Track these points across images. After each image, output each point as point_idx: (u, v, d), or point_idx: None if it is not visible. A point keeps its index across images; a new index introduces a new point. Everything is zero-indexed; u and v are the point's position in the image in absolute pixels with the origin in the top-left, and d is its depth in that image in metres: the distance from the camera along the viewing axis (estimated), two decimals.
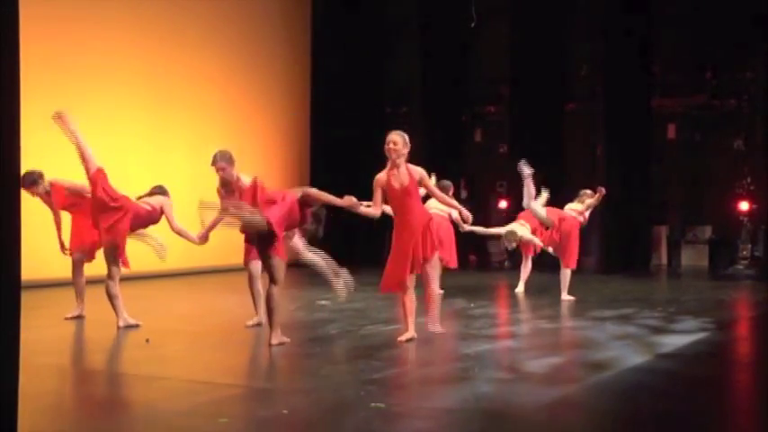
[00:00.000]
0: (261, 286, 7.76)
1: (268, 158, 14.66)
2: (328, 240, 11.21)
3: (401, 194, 6.88)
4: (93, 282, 8.53)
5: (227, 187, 7.33)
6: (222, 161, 7.36)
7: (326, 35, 15.41)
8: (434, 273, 7.10)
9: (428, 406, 5.13)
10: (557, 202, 11.27)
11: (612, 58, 13.76)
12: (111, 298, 7.90)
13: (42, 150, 10.49)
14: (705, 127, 14.42)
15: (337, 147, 14.90)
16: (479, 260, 14.88)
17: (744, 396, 5.79)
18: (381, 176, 6.97)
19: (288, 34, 15.35)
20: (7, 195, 3.49)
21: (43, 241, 10.69)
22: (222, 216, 7.42)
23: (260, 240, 6.75)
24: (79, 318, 8.46)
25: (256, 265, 7.75)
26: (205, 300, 10.33)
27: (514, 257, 14.11)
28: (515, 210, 14.21)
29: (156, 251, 8.69)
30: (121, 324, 7.86)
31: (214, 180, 9.26)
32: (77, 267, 8.63)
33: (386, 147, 6.88)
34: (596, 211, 11.24)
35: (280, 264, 6.75)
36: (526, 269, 10.85)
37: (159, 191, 8.70)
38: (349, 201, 6.78)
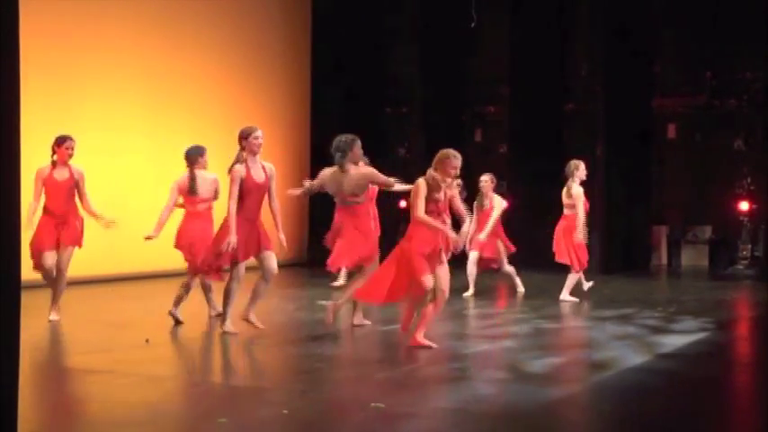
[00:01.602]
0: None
1: (268, 157, 14.61)
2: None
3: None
4: (92, 282, 8.52)
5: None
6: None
7: (326, 34, 15.40)
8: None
9: (428, 406, 5.13)
10: (556, 201, 11.25)
11: (612, 58, 13.76)
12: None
13: (42, 149, 10.51)
14: (705, 127, 14.41)
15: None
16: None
17: (744, 396, 5.79)
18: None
19: (288, 33, 15.34)
20: (7, 195, 3.49)
21: None
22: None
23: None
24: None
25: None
26: (205, 300, 10.32)
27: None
28: (515, 210, 14.23)
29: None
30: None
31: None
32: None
33: (455, 169, 6.80)
34: (597, 212, 11.24)
35: None
36: (509, 269, 10.71)
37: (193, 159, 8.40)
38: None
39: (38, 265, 8.18)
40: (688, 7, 14.27)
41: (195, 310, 9.51)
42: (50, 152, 8.30)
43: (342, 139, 7.96)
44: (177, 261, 12.94)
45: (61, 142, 8.26)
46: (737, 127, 14.11)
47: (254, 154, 7.47)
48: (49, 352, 6.67)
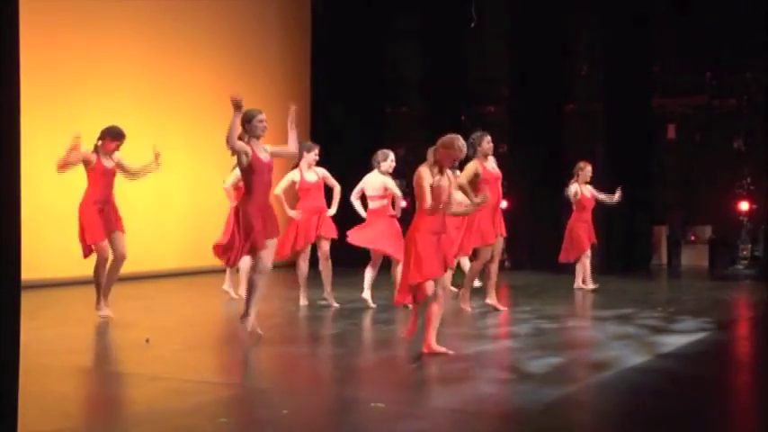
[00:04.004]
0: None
1: None
2: (332, 243, 11.22)
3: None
4: (93, 282, 8.51)
5: None
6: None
7: (326, 36, 15.39)
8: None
9: (428, 406, 5.13)
10: (556, 201, 11.27)
11: (612, 58, 13.76)
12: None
13: (43, 150, 10.50)
14: (705, 127, 14.41)
15: (337, 147, 14.90)
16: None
17: (744, 396, 5.79)
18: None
19: (287, 35, 15.34)
20: (8, 195, 3.49)
21: (43, 241, 10.72)
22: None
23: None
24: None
25: None
26: (205, 300, 10.34)
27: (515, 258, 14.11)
28: (516, 210, 14.25)
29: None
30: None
31: (213, 182, 9.31)
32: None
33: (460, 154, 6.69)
34: (597, 212, 11.26)
35: None
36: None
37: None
38: None
39: (88, 255, 8.27)
40: (688, 7, 14.27)
41: (194, 310, 9.53)
42: (97, 140, 8.29)
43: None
44: (175, 261, 13.02)
45: (116, 137, 8.29)
46: (737, 127, 14.10)
47: (258, 138, 7.15)
48: (48, 352, 6.66)
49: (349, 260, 10.61)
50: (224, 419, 4.67)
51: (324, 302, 9.32)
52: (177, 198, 13.14)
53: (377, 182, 9.20)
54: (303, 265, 9.39)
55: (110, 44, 12.19)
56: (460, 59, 15.22)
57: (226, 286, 10.00)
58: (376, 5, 15.48)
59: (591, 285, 10.89)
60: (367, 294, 9.15)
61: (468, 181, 8.56)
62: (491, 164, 8.95)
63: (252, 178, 7.11)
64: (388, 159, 9.20)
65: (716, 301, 10.14)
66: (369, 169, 9.33)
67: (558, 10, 14.46)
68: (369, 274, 9.21)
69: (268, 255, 7.13)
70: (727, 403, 5.47)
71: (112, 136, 8.30)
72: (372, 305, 9.01)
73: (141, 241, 12.54)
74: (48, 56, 11.19)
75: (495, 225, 8.95)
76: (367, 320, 8.48)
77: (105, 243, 8.23)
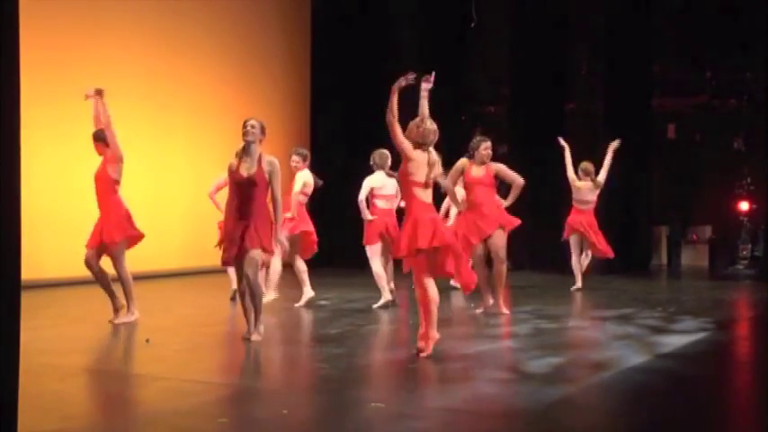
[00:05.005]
0: None
1: None
2: (332, 243, 11.20)
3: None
4: (92, 282, 8.51)
5: None
6: None
7: (326, 36, 15.39)
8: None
9: (428, 406, 5.13)
10: (557, 200, 11.26)
11: (612, 57, 13.76)
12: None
13: (43, 150, 10.50)
14: (705, 127, 14.42)
15: (337, 147, 14.91)
16: None
17: (744, 396, 5.79)
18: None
19: (287, 35, 15.35)
20: (7, 195, 3.49)
21: (43, 241, 10.72)
22: None
23: None
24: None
25: None
26: (205, 300, 10.33)
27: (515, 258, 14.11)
28: (516, 210, 14.25)
29: None
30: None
31: (213, 182, 9.30)
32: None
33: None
34: (597, 212, 11.27)
35: None
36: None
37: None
38: None
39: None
40: (688, 7, 14.28)
41: (194, 310, 9.52)
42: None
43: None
44: (175, 261, 13.02)
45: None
46: (737, 127, 14.12)
47: (247, 144, 7.11)
48: (48, 352, 6.66)
49: (349, 260, 10.61)
50: (224, 419, 4.68)
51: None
52: (177, 198, 13.14)
53: (390, 184, 9.24)
54: (301, 265, 9.42)
55: (110, 44, 12.20)
56: (461, 59, 15.22)
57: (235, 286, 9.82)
58: (376, 5, 15.48)
59: (578, 284, 10.94)
60: (387, 295, 9.17)
61: (452, 180, 8.68)
62: (478, 169, 8.81)
63: (231, 190, 7.21)
64: (389, 161, 9.18)
65: (716, 301, 10.14)
66: (368, 168, 9.34)
67: (558, 10, 14.46)
68: (379, 271, 9.20)
69: (246, 265, 7.01)
70: (727, 403, 5.47)
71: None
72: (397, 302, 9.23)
73: (141, 241, 12.57)
74: (48, 56, 11.19)
75: (480, 225, 8.85)
76: (367, 320, 8.48)
77: (87, 252, 8.11)
